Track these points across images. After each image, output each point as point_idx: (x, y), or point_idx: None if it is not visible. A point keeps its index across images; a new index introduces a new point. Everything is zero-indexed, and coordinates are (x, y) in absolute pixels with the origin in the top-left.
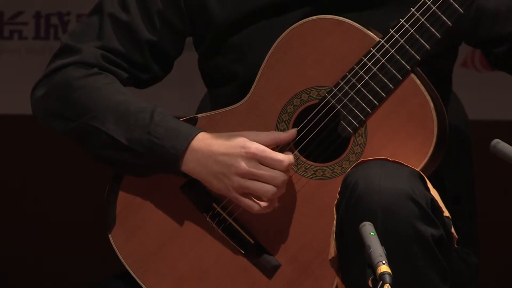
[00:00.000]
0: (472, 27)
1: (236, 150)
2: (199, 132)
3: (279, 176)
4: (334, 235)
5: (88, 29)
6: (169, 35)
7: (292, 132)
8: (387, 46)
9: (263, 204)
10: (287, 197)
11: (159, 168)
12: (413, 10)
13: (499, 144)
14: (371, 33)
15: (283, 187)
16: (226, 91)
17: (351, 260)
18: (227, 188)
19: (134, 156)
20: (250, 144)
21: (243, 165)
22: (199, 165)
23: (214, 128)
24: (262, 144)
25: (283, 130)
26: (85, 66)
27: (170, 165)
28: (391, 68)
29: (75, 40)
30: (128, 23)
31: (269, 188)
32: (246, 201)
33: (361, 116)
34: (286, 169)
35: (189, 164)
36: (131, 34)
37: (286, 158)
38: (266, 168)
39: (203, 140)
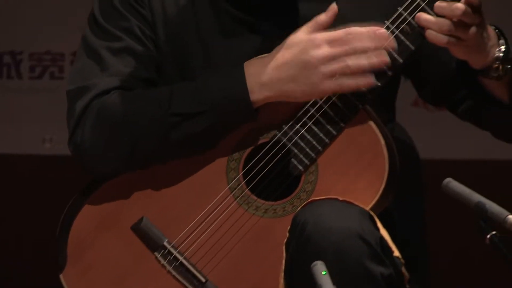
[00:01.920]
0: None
1: (304, 43)
2: (243, 64)
3: (361, 36)
4: (283, 273)
5: (89, 68)
6: (154, 49)
7: (333, 8)
8: None
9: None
10: (238, 235)
11: (233, 113)
12: None
13: (451, 183)
14: None
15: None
16: None
17: None
18: (314, 84)
19: (205, 118)
20: (307, 30)
21: (324, 49)
22: (271, 82)
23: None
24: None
25: (234, 169)
26: (107, 92)
27: (241, 101)
28: (341, 107)
29: (82, 81)
30: (125, 48)
31: (360, 61)
32: (348, 81)
33: (312, 155)
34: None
35: (259, 89)
36: (132, 56)
37: (350, 28)
38: (341, 44)
39: (255, 62)
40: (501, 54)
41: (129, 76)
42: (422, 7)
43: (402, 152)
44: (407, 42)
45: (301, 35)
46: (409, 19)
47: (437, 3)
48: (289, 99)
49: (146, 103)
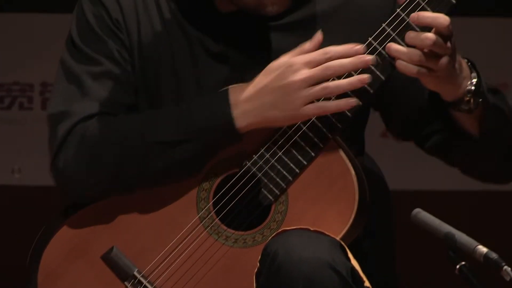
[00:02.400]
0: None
1: (280, 70)
2: (228, 88)
3: (344, 62)
4: None
5: (70, 92)
6: (132, 72)
7: (317, 37)
8: None
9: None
10: (208, 265)
11: (218, 139)
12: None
13: (420, 213)
14: None
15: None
16: None
17: None
18: (294, 108)
19: (192, 144)
20: (287, 59)
21: (302, 72)
22: (253, 109)
23: None
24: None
25: (204, 199)
26: (90, 118)
27: (226, 128)
28: (312, 136)
29: (64, 106)
30: (105, 72)
31: (340, 82)
32: (329, 104)
33: (282, 184)
34: (345, 51)
35: (243, 116)
36: (112, 80)
37: (329, 49)
38: (322, 66)
39: (237, 91)
40: (473, 87)
41: (110, 101)
42: (393, 37)
43: (371, 182)
44: (377, 73)
45: (281, 60)
46: (380, 49)
47: (408, 33)
48: (273, 124)
49: (129, 129)
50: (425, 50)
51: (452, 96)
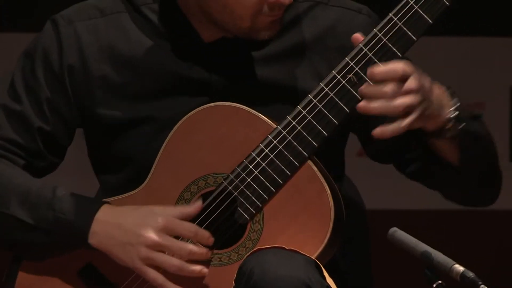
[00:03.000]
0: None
1: (145, 220)
2: (103, 204)
3: (187, 247)
4: None
5: None
6: (59, 124)
7: (197, 205)
8: (284, 133)
9: (162, 279)
10: (183, 283)
11: (67, 243)
12: (310, 97)
13: (397, 232)
14: (269, 120)
15: (189, 266)
16: (119, 178)
17: None
18: (133, 259)
19: (42, 235)
20: (159, 214)
21: (152, 235)
22: (106, 236)
23: None
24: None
25: None
26: None
27: (78, 239)
28: (288, 155)
29: None
30: (20, 113)
31: (175, 262)
32: (151, 273)
33: (258, 203)
34: (195, 238)
35: (96, 237)
36: (24, 123)
37: (193, 227)
38: (174, 239)
39: (109, 212)
40: (453, 115)
41: (13, 143)
42: (370, 57)
43: (347, 201)
44: (353, 92)
45: (154, 210)
46: (356, 68)
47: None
48: (116, 260)
49: (4, 190)
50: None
51: (433, 127)
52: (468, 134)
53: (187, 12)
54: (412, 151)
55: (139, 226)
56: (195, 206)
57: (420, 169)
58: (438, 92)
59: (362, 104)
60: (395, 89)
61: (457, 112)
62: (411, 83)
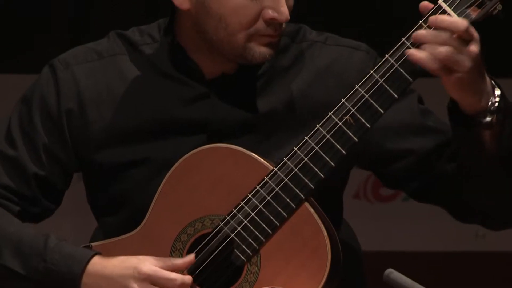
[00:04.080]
0: (363, 148)
1: (129, 272)
2: (94, 255)
3: None
4: None
5: None
6: (56, 169)
7: (189, 258)
8: (281, 175)
9: None
10: None
11: None
12: (307, 138)
13: (392, 274)
14: (265, 162)
15: None
16: (117, 219)
17: None
18: None
19: (33, 285)
20: (143, 265)
21: (136, 287)
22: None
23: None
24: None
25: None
26: None
27: (70, 286)
28: (285, 197)
29: None
30: (16, 158)
31: None
32: None
33: (255, 245)
34: None
35: (86, 286)
36: (19, 169)
37: (179, 277)
38: None
39: (98, 263)
40: (496, 100)
41: (8, 189)
42: (366, 98)
43: (344, 243)
44: (350, 134)
45: (141, 261)
46: (353, 110)
47: (436, 17)
48: None
49: None
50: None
51: (473, 108)
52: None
53: (187, 47)
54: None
55: (123, 277)
56: (186, 260)
57: (445, 183)
58: (486, 77)
59: (411, 51)
60: (454, 43)
61: (499, 101)
62: (473, 48)
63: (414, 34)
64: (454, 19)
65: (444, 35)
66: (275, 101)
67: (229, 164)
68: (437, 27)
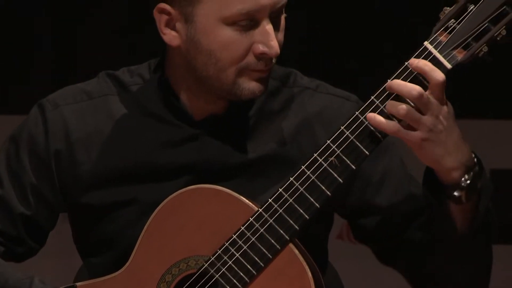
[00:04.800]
0: (343, 194)
1: None
2: None
3: None
4: None
5: None
6: (43, 210)
7: None
8: (265, 215)
9: None
10: None
11: None
12: (292, 179)
13: None
14: (250, 203)
15: None
16: (103, 260)
17: None
18: None
19: None
20: None
21: None
22: None
23: None
24: None
25: None
26: None
27: None
28: (269, 238)
29: None
30: (2, 198)
31: None
32: None
33: (239, 286)
34: None
35: None
36: (5, 209)
37: None
38: None
39: None
40: (469, 177)
41: None
42: (351, 139)
43: (328, 285)
44: (335, 175)
45: None
46: (338, 151)
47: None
48: None
49: None
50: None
51: (444, 178)
52: (480, 206)
53: (177, 87)
54: (400, 236)
55: None
56: None
57: (414, 251)
58: (464, 145)
59: (370, 116)
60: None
61: (469, 182)
62: (426, 120)
63: (393, 82)
64: (435, 68)
65: (418, 89)
66: (264, 144)
67: (214, 204)
68: (417, 70)
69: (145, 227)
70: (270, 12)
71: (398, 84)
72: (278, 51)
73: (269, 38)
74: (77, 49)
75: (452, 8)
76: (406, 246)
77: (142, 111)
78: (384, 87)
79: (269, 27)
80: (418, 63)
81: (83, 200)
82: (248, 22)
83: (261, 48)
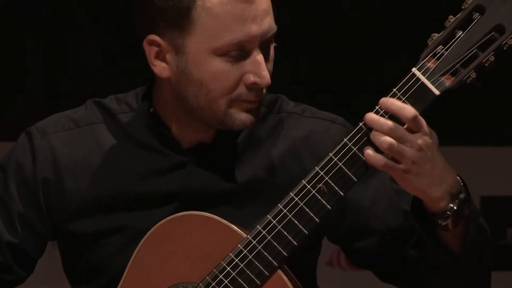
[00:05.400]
0: (336, 220)
1: None
2: None
3: None
4: None
5: None
6: (31, 238)
7: None
8: (254, 242)
9: None
10: None
11: None
12: (280, 206)
13: None
14: (239, 230)
15: None
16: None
17: None
18: None
19: None
20: None
21: None
22: None
23: None
24: None
25: None
26: None
27: None
28: (258, 265)
29: None
30: None
31: None
32: None
33: None
34: None
35: None
36: None
37: None
38: None
39: None
40: (453, 206)
41: None
42: (339, 166)
43: None
44: (323, 202)
45: None
46: (326, 178)
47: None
48: None
49: None
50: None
51: (431, 207)
52: (468, 235)
53: (165, 116)
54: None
55: None
56: None
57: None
58: (450, 175)
59: (367, 152)
60: (400, 132)
61: (455, 208)
62: (420, 140)
63: (366, 116)
64: (403, 106)
65: (389, 124)
66: (252, 171)
67: (202, 231)
68: (386, 110)
69: (134, 254)
70: (260, 42)
71: (370, 118)
72: (269, 81)
73: (260, 68)
74: (68, 74)
75: (440, 34)
76: (404, 264)
77: (129, 139)
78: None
79: (259, 57)
80: (385, 103)
81: (71, 228)
82: (238, 52)
83: (252, 78)
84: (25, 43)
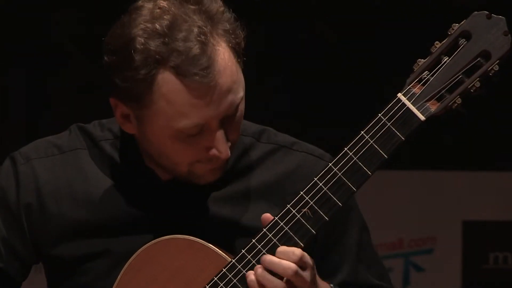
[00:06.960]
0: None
1: None
2: None
3: None
4: None
5: None
6: (14, 262)
7: None
8: (239, 266)
9: None
10: None
11: None
12: (264, 230)
13: None
14: (223, 253)
15: None
16: None
17: None
18: None
19: None
20: None
21: None
22: None
23: None
24: None
25: None
26: None
27: None
28: None
29: None
30: None
31: None
32: None
33: None
34: None
35: None
36: None
37: None
38: None
39: None
40: None
41: None
42: (324, 191)
43: None
44: (308, 226)
45: None
46: (311, 203)
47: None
48: None
49: None
50: None
51: None
52: None
53: (143, 151)
54: None
55: None
56: None
57: None
58: None
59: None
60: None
61: None
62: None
63: (262, 258)
64: (280, 263)
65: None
66: (234, 199)
67: (187, 255)
68: (267, 267)
69: (118, 277)
70: (221, 119)
71: (271, 261)
72: (229, 154)
73: (219, 144)
74: (51, 101)
75: (426, 59)
76: None
77: (111, 166)
78: (356, 138)
79: (219, 133)
80: (264, 260)
81: (55, 253)
82: (197, 131)
83: (211, 152)
84: (8, 69)
